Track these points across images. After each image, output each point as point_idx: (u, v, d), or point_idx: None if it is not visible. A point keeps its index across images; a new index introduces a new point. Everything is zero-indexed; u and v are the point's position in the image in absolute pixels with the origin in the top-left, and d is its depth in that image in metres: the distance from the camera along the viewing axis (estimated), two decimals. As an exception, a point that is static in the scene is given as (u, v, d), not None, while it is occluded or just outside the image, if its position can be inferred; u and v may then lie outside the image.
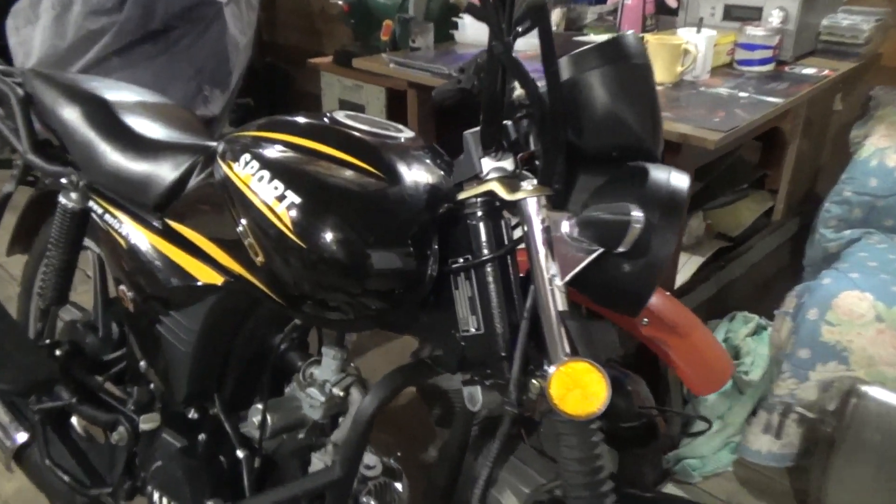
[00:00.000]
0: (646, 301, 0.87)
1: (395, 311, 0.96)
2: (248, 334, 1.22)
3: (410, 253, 0.92)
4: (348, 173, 0.95)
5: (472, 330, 0.92)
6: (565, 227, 0.85)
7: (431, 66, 2.04)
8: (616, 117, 0.83)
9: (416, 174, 0.97)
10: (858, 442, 1.56)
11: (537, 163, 0.88)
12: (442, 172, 1.01)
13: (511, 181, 0.88)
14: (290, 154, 0.98)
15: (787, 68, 2.02)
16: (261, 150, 1.00)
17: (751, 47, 1.95)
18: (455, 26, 2.43)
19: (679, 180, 0.84)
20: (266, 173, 0.97)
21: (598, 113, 0.84)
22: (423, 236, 0.94)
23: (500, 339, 0.90)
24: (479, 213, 0.91)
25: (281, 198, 0.94)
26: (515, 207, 0.89)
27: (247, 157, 1.00)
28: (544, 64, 0.80)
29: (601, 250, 0.83)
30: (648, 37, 1.93)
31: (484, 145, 0.88)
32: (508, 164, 0.90)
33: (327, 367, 1.17)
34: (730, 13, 2.12)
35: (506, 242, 0.92)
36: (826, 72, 1.97)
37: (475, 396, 0.93)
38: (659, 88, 1.78)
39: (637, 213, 0.75)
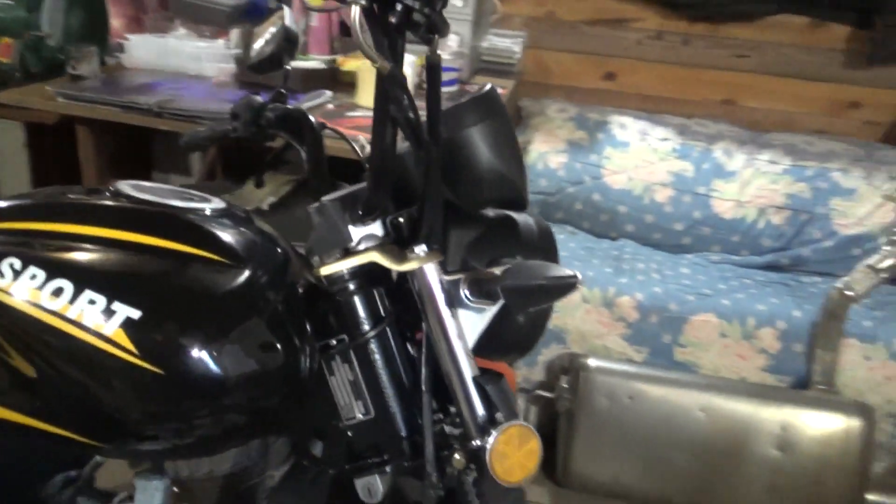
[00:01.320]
0: (535, 344, 0.90)
1: (271, 416, 0.83)
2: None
3: (286, 345, 0.81)
4: (181, 264, 0.79)
5: (360, 416, 0.85)
6: (463, 289, 0.84)
7: (119, 98, 1.76)
8: (498, 172, 0.84)
9: (260, 250, 0.85)
10: (592, 409, 1.84)
11: (391, 223, 0.85)
12: (283, 245, 0.90)
13: (393, 249, 0.83)
14: (88, 250, 0.78)
15: (467, 87, 2.22)
16: (34, 252, 0.77)
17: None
18: (105, 47, 2.12)
19: (541, 222, 0.89)
20: (64, 284, 0.75)
21: (481, 168, 0.84)
22: (293, 322, 0.83)
23: (397, 419, 0.85)
24: (352, 288, 0.85)
25: (107, 314, 0.74)
26: (397, 276, 0.84)
27: (13, 262, 0.76)
28: (429, 118, 0.76)
29: (497, 307, 0.84)
30: (354, 62, 1.95)
31: (366, 211, 0.82)
32: (377, 229, 0.85)
33: None
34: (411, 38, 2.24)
35: (382, 313, 0.86)
36: (500, 89, 2.22)
37: (374, 487, 0.87)
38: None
39: (574, 272, 0.78)
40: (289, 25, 0.99)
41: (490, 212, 0.89)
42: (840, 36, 2.47)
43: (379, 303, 0.86)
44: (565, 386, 1.87)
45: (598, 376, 1.84)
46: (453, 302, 0.82)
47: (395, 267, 0.81)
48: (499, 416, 0.82)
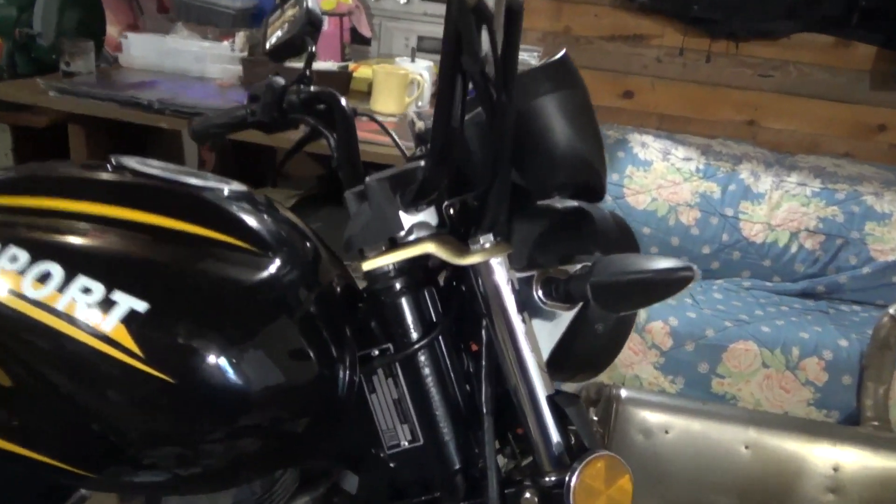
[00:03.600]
0: (612, 361, 0.76)
1: (299, 442, 0.67)
2: None
3: (321, 353, 0.66)
4: (198, 250, 0.64)
5: (405, 443, 0.71)
6: (536, 290, 0.69)
7: (117, 94, 1.61)
8: (577, 151, 0.70)
9: (290, 239, 0.71)
10: (625, 444, 1.67)
11: (447, 210, 0.71)
12: (314, 237, 0.76)
13: (451, 240, 0.68)
14: (83, 230, 0.62)
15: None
16: (16, 230, 0.62)
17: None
18: (100, 50, 1.98)
19: (616, 216, 0.76)
20: (52, 268, 0.59)
21: (557, 145, 0.69)
22: (329, 326, 0.68)
23: (450, 447, 0.70)
24: (398, 287, 0.70)
25: (105, 305, 0.58)
26: (456, 274, 0.70)
27: None
28: (503, 75, 0.62)
29: (575, 311, 0.69)
30: (367, 68, 1.82)
31: (421, 194, 0.67)
32: (430, 217, 0.70)
33: None
34: (422, 44, 2.13)
35: (433, 318, 0.72)
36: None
37: None
38: (391, 120, 1.69)
39: (688, 263, 0.63)
40: (312, 7, 0.86)
41: (559, 202, 0.75)
42: (866, 56, 2.38)
43: (430, 306, 0.71)
44: (595, 419, 1.70)
45: (632, 408, 1.68)
46: (524, 304, 0.68)
47: (456, 260, 0.66)
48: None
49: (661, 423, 1.67)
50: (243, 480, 0.74)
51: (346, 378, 0.68)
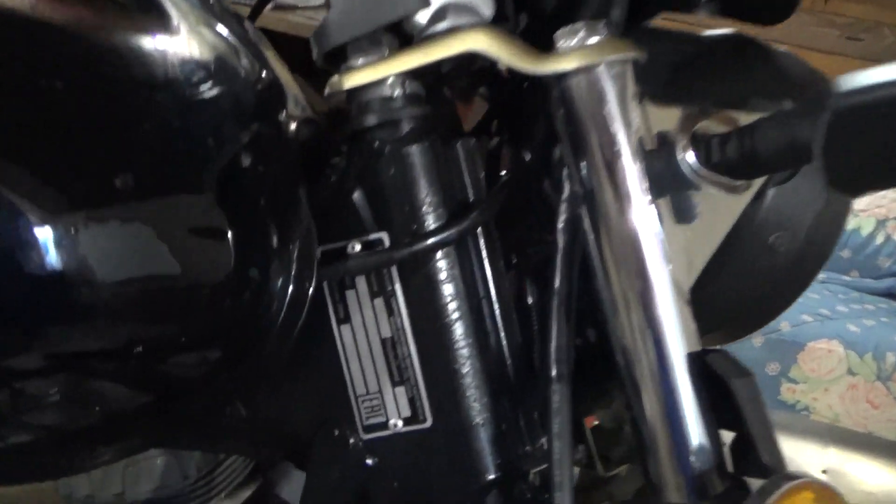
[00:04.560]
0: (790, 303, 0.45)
1: (196, 395, 0.36)
2: None
3: (249, 235, 0.37)
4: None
5: (397, 423, 0.42)
6: (683, 151, 0.36)
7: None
8: None
9: (229, 31, 0.39)
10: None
11: None
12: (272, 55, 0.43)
13: (513, 36, 0.36)
14: None
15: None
16: None
17: None
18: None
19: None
20: None
21: None
22: (272, 192, 0.36)
23: (480, 437, 0.41)
24: (409, 129, 0.38)
25: None
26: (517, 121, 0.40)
27: None
28: None
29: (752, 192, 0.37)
30: None
31: None
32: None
33: None
34: None
35: (468, 196, 0.39)
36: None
37: None
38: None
39: None
40: None
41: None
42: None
43: (465, 172, 0.39)
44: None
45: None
46: (658, 183, 0.35)
47: (528, 66, 0.33)
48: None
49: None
50: (105, 457, 0.41)
51: (290, 286, 0.36)
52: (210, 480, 0.68)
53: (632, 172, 0.34)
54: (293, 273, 0.37)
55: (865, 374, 1.42)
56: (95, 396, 0.35)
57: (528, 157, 0.41)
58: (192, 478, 0.67)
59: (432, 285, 0.38)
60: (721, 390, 0.33)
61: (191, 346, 0.37)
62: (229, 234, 0.34)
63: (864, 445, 1.36)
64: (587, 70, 0.33)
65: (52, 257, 0.29)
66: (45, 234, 0.29)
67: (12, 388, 0.33)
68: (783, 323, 1.45)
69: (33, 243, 0.29)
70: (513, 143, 0.43)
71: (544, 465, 0.39)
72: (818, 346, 1.44)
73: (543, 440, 0.40)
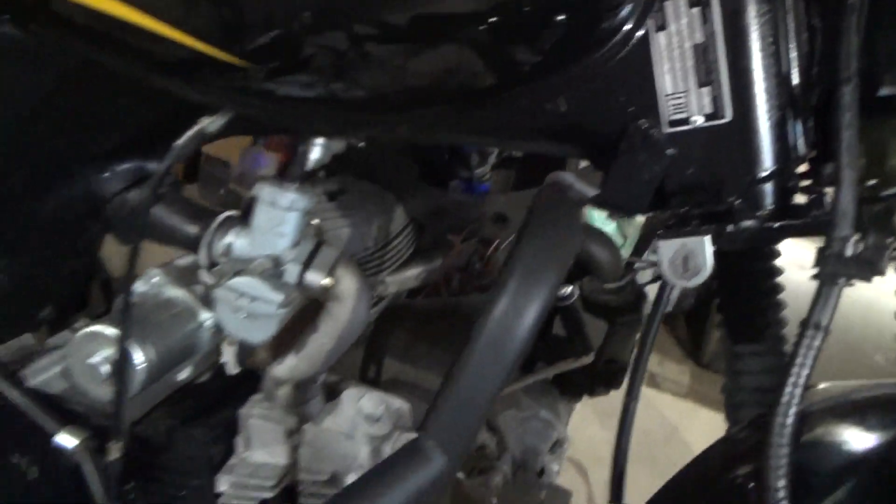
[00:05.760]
0: None
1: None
2: None
3: None
4: None
5: (698, 119, 0.48)
6: None
7: None
8: None
9: None
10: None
11: None
12: None
13: None
14: None
15: None
16: None
17: None
18: None
19: None
20: None
21: None
22: None
23: (764, 134, 0.48)
24: None
25: None
26: None
27: None
28: None
29: None
30: None
31: None
32: None
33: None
34: None
35: None
36: None
37: (696, 258, 0.50)
38: None
39: None
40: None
41: None
42: None
43: None
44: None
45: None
46: None
47: None
48: None
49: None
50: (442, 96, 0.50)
51: None
52: (383, 255, 0.81)
53: None
54: None
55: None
56: (445, 65, 0.45)
57: None
58: (371, 249, 0.79)
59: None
60: None
61: (536, 32, 0.44)
62: None
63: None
64: None
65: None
66: None
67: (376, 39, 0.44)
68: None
69: None
70: None
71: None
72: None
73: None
